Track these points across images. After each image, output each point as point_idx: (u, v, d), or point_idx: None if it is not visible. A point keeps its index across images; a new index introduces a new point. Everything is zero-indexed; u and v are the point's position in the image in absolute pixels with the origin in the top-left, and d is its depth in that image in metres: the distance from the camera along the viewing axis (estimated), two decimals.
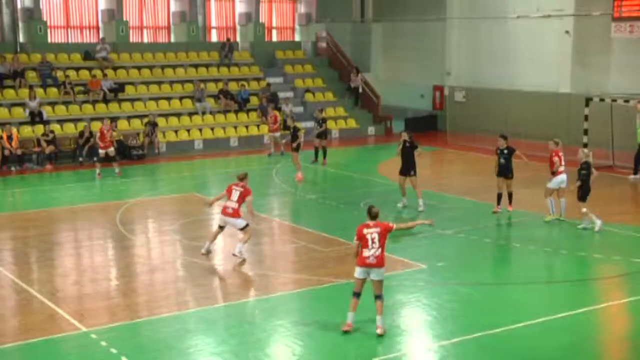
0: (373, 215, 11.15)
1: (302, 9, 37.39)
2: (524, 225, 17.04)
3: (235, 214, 14.30)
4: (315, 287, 12.99)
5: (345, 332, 10.90)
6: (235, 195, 14.36)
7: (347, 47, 36.27)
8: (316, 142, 24.93)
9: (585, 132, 23.72)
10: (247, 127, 30.21)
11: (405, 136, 18.60)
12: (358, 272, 10.98)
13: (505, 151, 17.64)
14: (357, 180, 22.64)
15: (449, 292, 12.73)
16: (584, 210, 16.26)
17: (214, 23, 35.42)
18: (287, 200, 20.51)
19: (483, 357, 10.33)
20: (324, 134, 25.03)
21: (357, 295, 11.01)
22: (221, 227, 14.66)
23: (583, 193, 16.24)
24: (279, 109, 31.20)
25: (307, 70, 34.52)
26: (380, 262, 10.88)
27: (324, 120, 25.34)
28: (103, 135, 22.99)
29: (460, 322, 11.45)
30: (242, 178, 14.64)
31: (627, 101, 23.28)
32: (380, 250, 10.89)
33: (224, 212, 14.39)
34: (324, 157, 24.82)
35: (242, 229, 14.47)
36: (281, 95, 32.01)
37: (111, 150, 23.19)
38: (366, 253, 10.87)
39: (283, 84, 33.44)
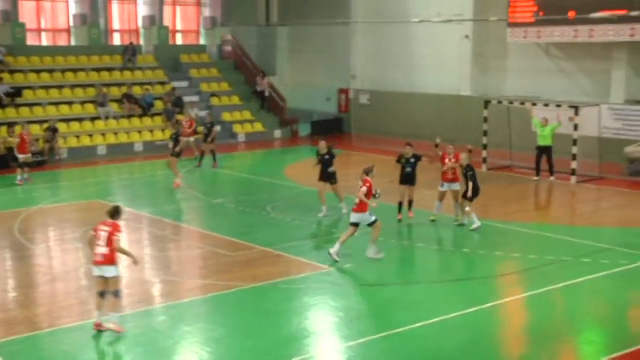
0: (110, 214, 11.27)
1: (207, 12, 37.10)
2: (428, 225, 17.39)
3: (359, 208, 14.31)
4: (223, 292, 12.91)
5: (98, 331, 11.01)
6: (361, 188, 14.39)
7: (253, 50, 36.24)
8: (204, 146, 25.09)
9: (485, 133, 24.45)
10: (152, 131, 29.75)
11: (324, 148, 18.18)
12: (93, 270, 11.23)
13: (412, 160, 17.34)
14: (264, 184, 22.63)
15: (355, 294, 12.89)
16: (468, 209, 16.84)
17: (116, 26, 34.71)
18: (194, 205, 20.31)
19: (389, 356, 10.49)
20: (211, 137, 25.22)
21: (100, 294, 11.15)
22: (356, 225, 14.51)
23: (472, 193, 16.76)
24: (183, 114, 30.90)
25: (212, 74, 34.29)
26: (107, 260, 11.00)
27: (212, 124, 25.63)
28: (24, 141, 22.48)
29: (367, 322, 11.61)
30: (367, 172, 14.54)
31: (523, 104, 24.16)
32: (107, 249, 10.98)
33: (353, 209, 14.52)
34: (214, 159, 25.00)
35: (370, 225, 14.43)
36: (186, 99, 31.70)
37: (29, 156, 22.80)
38: (96, 250, 11.08)
39: (188, 88, 33.10)
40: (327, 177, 18.17)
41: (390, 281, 13.67)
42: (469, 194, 16.66)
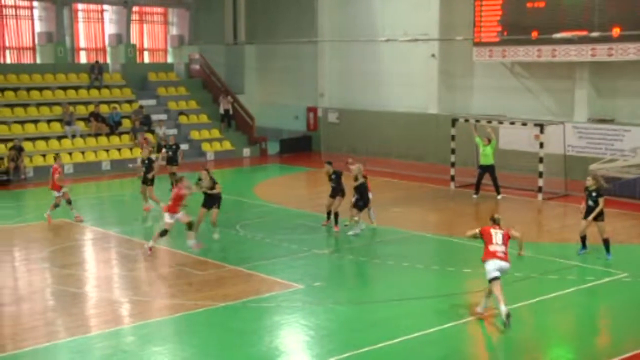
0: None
1: (174, 30, 37.06)
2: (397, 243, 17.47)
3: (506, 257, 12.33)
4: (193, 312, 12.82)
5: None
6: (499, 238, 12.37)
7: (220, 69, 36.24)
8: (167, 168, 23.79)
9: (453, 151, 24.66)
10: (119, 150, 29.54)
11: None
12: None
13: (333, 176, 18.41)
14: (233, 203, 22.50)
15: (326, 312, 12.87)
16: (356, 218, 17.69)
17: (82, 44, 34.50)
18: (163, 224, 20.12)
19: None
20: (174, 160, 23.96)
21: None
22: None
23: (363, 204, 17.78)
24: (152, 132, 30.76)
25: (180, 93, 34.20)
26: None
27: (177, 146, 24.45)
28: None
29: (338, 340, 11.59)
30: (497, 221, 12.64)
31: (489, 122, 24.42)
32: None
33: (498, 256, 12.24)
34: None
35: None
36: (154, 117, 31.56)
37: None
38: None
39: (156, 106, 32.98)
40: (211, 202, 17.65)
41: (361, 299, 13.68)
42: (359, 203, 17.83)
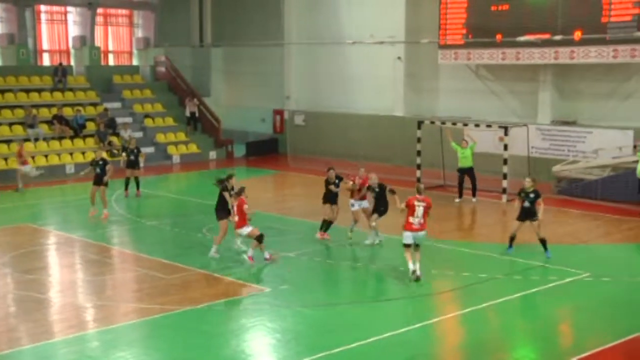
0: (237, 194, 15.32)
1: (139, 33, 36.77)
2: (364, 246, 17.50)
3: (422, 227, 14.56)
4: (158, 316, 12.73)
5: None
6: (420, 211, 14.48)
7: (186, 71, 36.06)
8: (128, 172, 23.57)
9: (418, 153, 24.81)
10: (83, 153, 29.23)
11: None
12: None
13: (337, 181, 17.87)
14: (199, 206, 22.42)
15: (292, 314, 12.86)
16: (374, 224, 17.25)
17: (45, 46, 34.07)
18: (127, 228, 20.00)
19: None
20: (136, 164, 23.64)
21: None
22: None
23: (383, 210, 17.26)
24: (118, 135, 30.49)
25: (145, 95, 33.95)
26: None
27: (139, 150, 23.98)
28: None
29: (305, 343, 11.59)
30: (421, 191, 14.78)
31: (454, 124, 24.64)
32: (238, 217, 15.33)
33: (414, 228, 14.44)
34: (137, 187, 23.69)
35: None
36: (119, 120, 31.28)
37: None
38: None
39: (121, 109, 32.70)
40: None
41: (328, 301, 13.70)
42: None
